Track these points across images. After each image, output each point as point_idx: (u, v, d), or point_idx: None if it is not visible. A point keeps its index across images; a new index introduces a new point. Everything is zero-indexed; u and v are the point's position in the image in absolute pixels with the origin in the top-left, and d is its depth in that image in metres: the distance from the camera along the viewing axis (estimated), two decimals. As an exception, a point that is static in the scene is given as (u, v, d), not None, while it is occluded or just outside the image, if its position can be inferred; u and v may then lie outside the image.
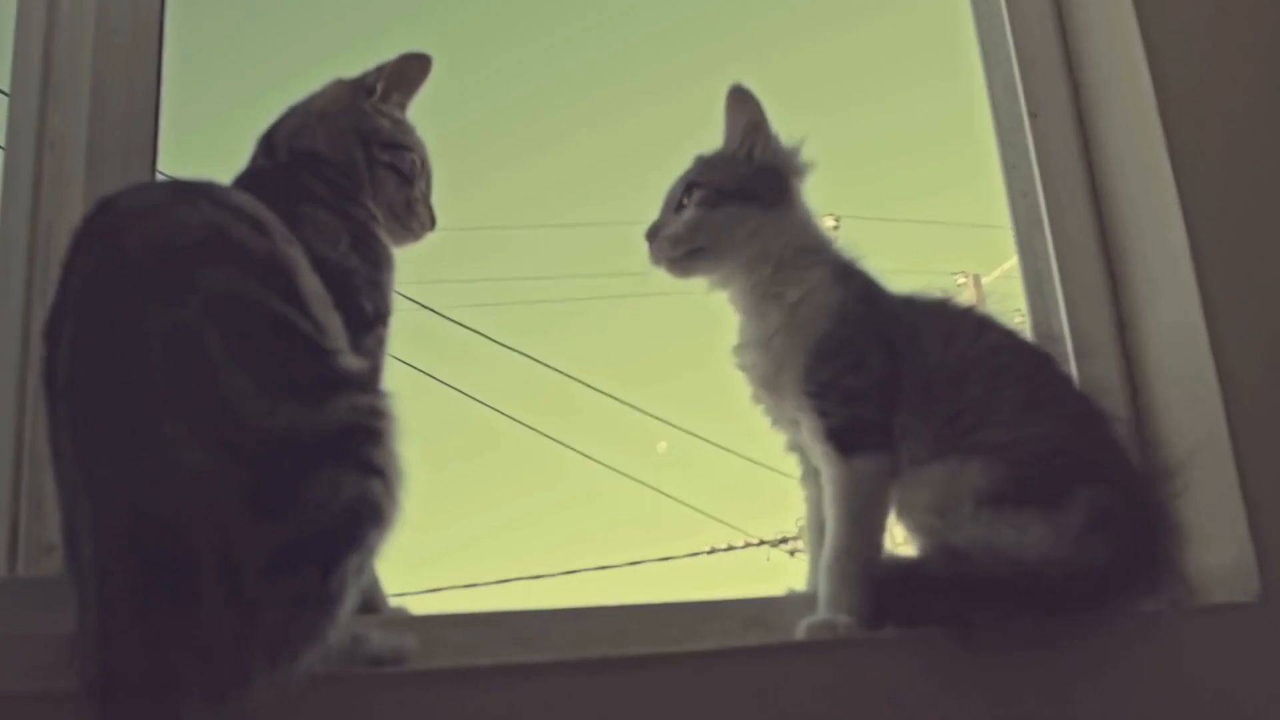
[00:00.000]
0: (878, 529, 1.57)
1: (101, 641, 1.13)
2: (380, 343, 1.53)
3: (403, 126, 1.72)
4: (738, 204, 1.73)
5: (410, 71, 1.74)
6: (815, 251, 1.73)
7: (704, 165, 1.80)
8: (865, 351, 1.62)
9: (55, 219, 1.61)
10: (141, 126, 1.69)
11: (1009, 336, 1.72)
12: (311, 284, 1.34)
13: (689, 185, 1.77)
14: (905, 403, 1.61)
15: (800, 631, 1.50)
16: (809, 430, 1.63)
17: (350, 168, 1.63)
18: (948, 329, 1.68)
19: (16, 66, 1.69)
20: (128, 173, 1.64)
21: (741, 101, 1.81)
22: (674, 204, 1.78)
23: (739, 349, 1.74)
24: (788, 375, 1.64)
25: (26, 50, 1.69)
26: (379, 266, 1.56)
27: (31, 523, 1.51)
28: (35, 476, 1.51)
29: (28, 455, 1.52)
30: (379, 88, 1.70)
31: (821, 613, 1.52)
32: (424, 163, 1.73)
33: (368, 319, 1.49)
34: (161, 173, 1.69)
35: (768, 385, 1.68)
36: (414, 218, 1.70)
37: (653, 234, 1.77)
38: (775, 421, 1.74)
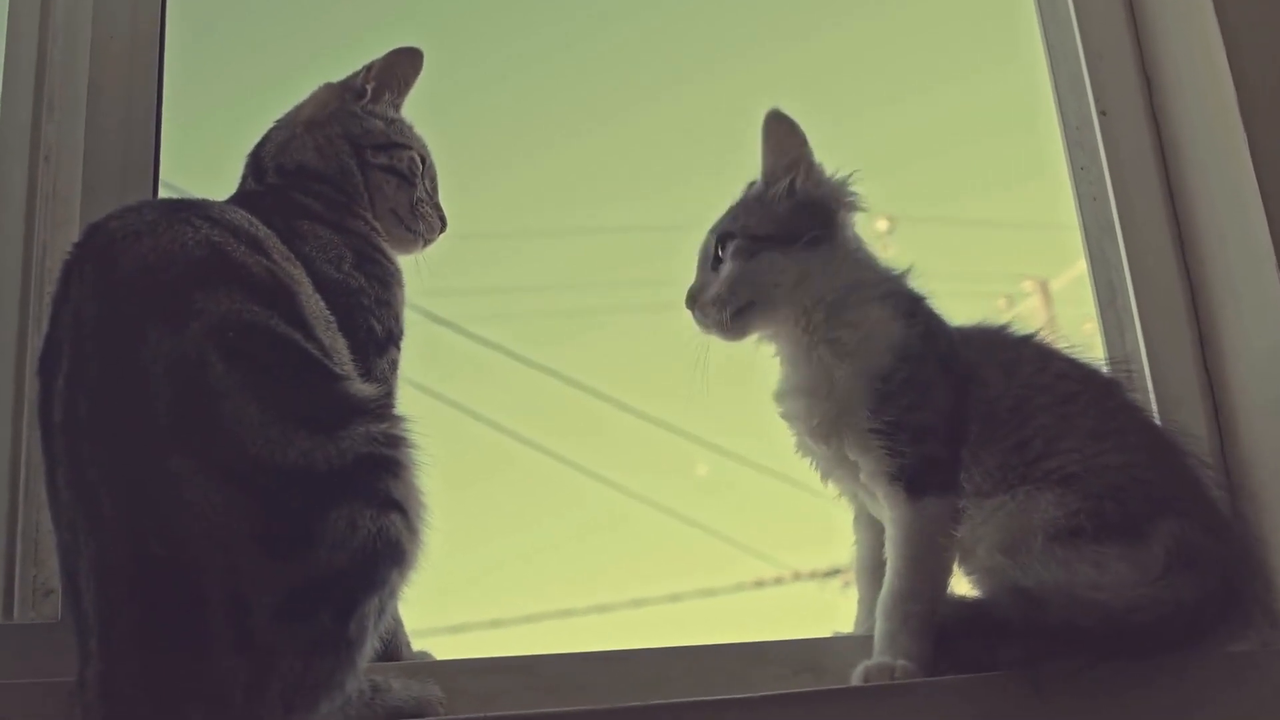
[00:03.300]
0: (943, 572, 1.57)
1: (104, 692, 1.15)
2: (393, 366, 1.54)
3: (397, 125, 1.72)
4: (778, 248, 1.70)
5: (400, 68, 1.74)
6: (872, 286, 1.72)
7: (736, 211, 1.78)
8: (930, 386, 1.62)
9: (51, 237, 1.62)
10: (141, 137, 1.71)
11: (1075, 365, 1.71)
12: (315, 305, 1.36)
13: (721, 237, 1.74)
14: (969, 437, 1.61)
15: (856, 676, 1.49)
16: (872, 472, 1.62)
17: (344, 178, 1.64)
18: (1010, 358, 1.68)
19: (7, 73, 1.71)
20: (127, 186, 1.66)
21: (779, 130, 1.77)
22: (709, 260, 1.76)
23: (783, 397, 1.73)
24: (850, 417, 1.62)
25: (18, 56, 1.71)
26: (387, 285, 1.57)
27: (28, 566, 1.53)
28: (32, 517, 1.53)
29: (24, 495, 1.54)
30: (368, 88, 1.71)
31: (878, 656, 1.52)
32: (425, 161, 1.74)
33: (379, 341, 1.51)
34: (166, 183, 1.70)
35: (822, 432, 1.66)
36: (419, 220, 1.70)
37: (693, 299, 1.74)
38: (827, 473, 1.73)
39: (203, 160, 2.00)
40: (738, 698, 1.43)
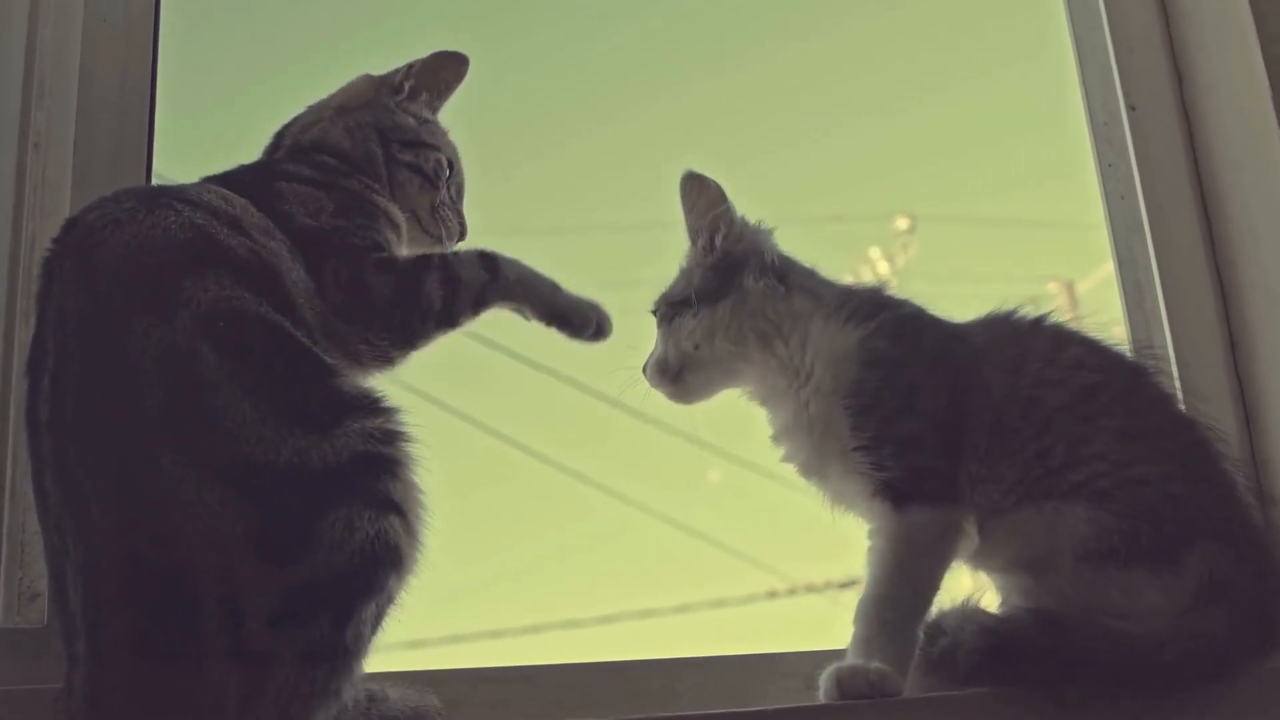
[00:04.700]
0: (929, 586, 1.53)
1: (91, 700, 1.15)
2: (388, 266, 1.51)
3: (429, 126, 1.73)
4: (687, 311, 1.72)
5: (443, 71, 1.76)
6: (812, 301, 1.69)
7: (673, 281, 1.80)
8: (913, 392, 1.58)
9: (40, 227, 1.61)
10: (134, 124, 1.71)
11: (1093, 350, 1.66)
12: (297, 275, 1.37)
13: (655, 307, 1.78)
14: (974, 447, 1.57)
15: (826, 678, 1.44)
16: (859, 490, 1.57)
17: (368, 162, 1.65)
18: (1015, 352, 1.64)
19: (-4, 58, 1.70)
20: (119, 175, 1.66)
21: (693, 191, 1.79)
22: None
23: (777, 439, 1.70)
24: (833, 442, 1.59)
25: (7, 40, 1.70)
26: (373, 218, 1.55)
27: (14, 569, 1.52)
28: (18, 519, 1.53)
29: (9, 496, 1.53)
30: (406, 86, 1.73)
31: (851, 659, 1.47)
32: (453, 166, 1.74)
33: (358, 250, 1.48)
34: (160, 174, 1.70)
35: (814, 469, 1.64)
36: (439, 224, 1.70)
37: (643, 370, 1.76)
38: (835, 503, 1.67)
39: (197, 149, 1.99)
40: (748, 711, 1.42)
